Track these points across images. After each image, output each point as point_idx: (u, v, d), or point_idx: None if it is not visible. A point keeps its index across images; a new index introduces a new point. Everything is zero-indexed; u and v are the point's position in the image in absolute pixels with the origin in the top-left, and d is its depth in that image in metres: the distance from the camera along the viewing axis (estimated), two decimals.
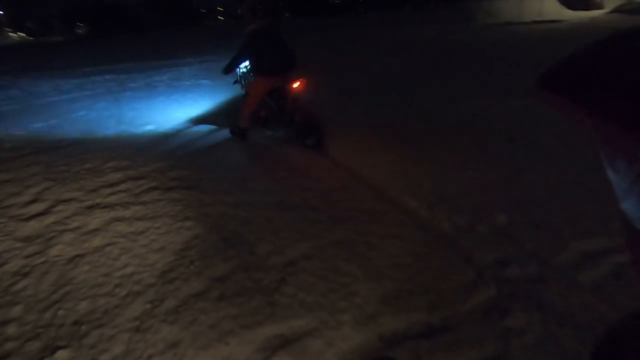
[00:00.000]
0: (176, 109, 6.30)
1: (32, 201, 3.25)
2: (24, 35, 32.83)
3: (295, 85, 4.14)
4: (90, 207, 3.13)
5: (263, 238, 2.60)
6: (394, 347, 1.78)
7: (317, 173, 3.67)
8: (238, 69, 4.67)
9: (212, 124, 5.36)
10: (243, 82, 4.81)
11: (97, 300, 2.11)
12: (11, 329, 1.95)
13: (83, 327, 1.94)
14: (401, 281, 2.18)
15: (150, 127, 5.33)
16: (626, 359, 0.32)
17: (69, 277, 2.31)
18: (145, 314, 2.01)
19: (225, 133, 4.78)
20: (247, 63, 4.53)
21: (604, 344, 0.36)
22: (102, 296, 2.14)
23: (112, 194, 3.33)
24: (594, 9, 18.52)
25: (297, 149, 4.33)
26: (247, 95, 4.44)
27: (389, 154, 3.70)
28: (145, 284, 2.22)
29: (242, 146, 4.46)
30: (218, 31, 23.04)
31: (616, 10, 16.60)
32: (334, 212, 2.89)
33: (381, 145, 3.88)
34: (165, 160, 4.04)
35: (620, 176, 0.27)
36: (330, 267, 2.30)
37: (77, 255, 2.51)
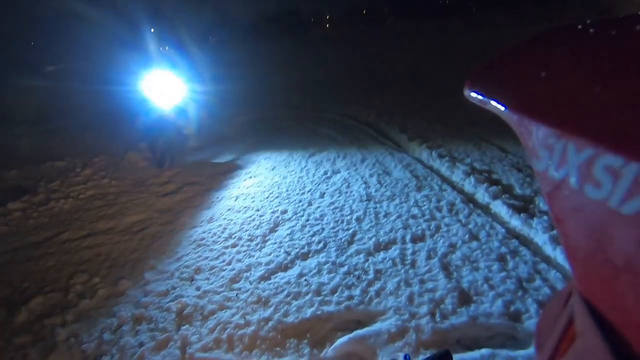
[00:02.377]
0: None
1: (166, 182, 3.99)
2: None
3: None
4: (207, 190, 3.70)
5: None
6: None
7: None
8: None
9: None
10: None
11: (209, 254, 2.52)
12: (148, 275, 2.46)
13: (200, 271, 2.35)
14: None
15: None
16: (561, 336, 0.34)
17: (190, 239, 2.80)
18: None
19: None
20: None
21: (542, 321, 0.39)
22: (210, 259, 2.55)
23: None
24: None
25: None
26: None
27: None
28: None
29: None
30: None
31: None
32: None
33: None
34: None
35: (542, 165, 0.29)
36: None
37: (194, 227, 3.02)
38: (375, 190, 3.22)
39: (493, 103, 0.33)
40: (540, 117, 0.29)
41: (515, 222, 2.55)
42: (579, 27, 0.30)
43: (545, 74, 0.30)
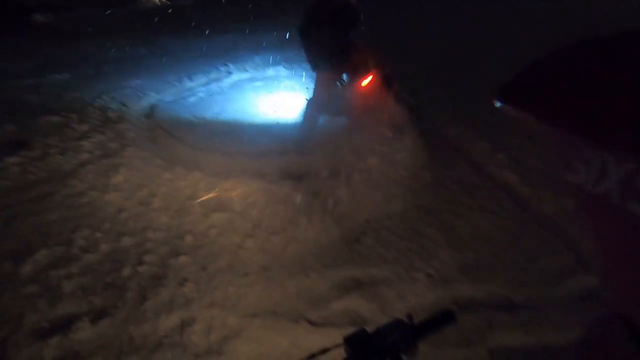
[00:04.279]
0: None
1: None
2: None
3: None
4: None
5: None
6: (467, 312, 1.79)
7: None
8: None
9: None
10: None
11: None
12: (149, 234, 2.49)
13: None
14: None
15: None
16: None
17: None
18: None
19: None
20: None
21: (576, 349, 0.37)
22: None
23: None
24: None
25: None
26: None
27: None
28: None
29: None
30: None
31: None
32: None
33: None
34: None
35: (579, 179, 0.28)
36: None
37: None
38: None
39: (527, 116, 0.31)
40: (579, 130, 0.27)
41: None
42: (620, 35, 0.29)
43: (583, 85, 0.29)
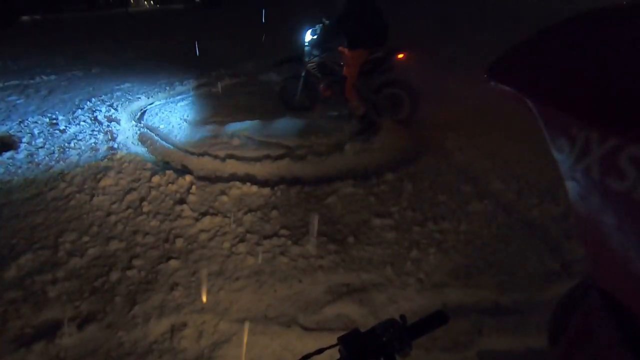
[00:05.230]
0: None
1: None
2: (152, 3, 37.15)
3: (400, 56, 3.75)
4: None
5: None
6: (456, 316, 1.81)
7: None
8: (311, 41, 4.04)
9: None
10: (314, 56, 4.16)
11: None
12: (139, 238, 2.46)
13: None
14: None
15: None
16: (574, 326, 0.34)
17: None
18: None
19: None
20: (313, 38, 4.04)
21: (557, 316, 0.38)
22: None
23: None
24: None
25: None
26: (344, 76, 3.87)
27: None
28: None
29: None
30: None
31: None
32: None
33: None
34: None
35: (564, 155, 0.29)
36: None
37: None
38: None
39: (516, 92, 0.32)
40: (564, 105, 0.28)
41: None
42: (613, 10, 0.29)
43: (569, 61, 0.29)
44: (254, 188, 2.92)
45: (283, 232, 2.45)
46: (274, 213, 2.64)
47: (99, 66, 7.69)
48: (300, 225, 2.51)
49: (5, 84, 6.64)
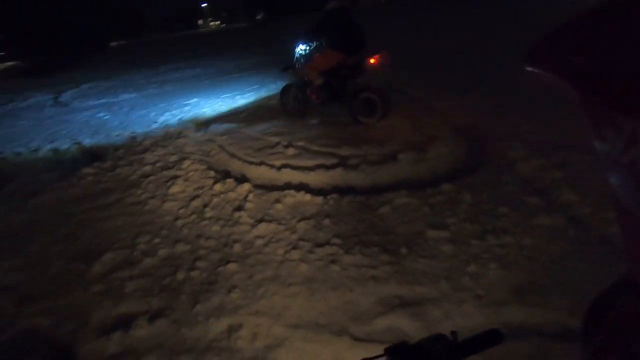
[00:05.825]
0: None
1: None
2: (218, 23, 40.15)
3: (372, 61, 4.15)
4: None
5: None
6: (519, 339, 1.68)
7: None
8: (300, 51, 4.66)
9: None
10: (300, 63, 4.74)
11: None
12: (202, 241, 2.65)
13: None
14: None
15: None
16: (612, 326, 0.32)
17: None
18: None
19: None
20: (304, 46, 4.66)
21: (592, 313, 0.36)
22: None
23: None
24: None
25: None
26: (312, 63, 4.54)
27: None
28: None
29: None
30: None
31: None
32: None
33: None
34: None
35: (609, 146, 0.27)
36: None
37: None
38: None
39: (556, 79, 0.30)
40: (611, 94, 0.26)
41: None
42: None
43: (616, 45, 0.27)
44: (308, 196, 2.99)
45: (335, 240, 2.47)
46: (327, 221, 2.68)
47: (171, 84, 8.47)
48: (353, 234, 2.52)
49: (96, 102, 7.60)
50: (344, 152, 3.67)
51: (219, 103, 6.30)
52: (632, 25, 0.27)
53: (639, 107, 0.24)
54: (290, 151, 3.80)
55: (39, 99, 9.65)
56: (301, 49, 4.66)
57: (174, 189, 3.36)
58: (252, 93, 6.64)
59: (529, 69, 0.32)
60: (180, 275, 2.33)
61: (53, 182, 3.85)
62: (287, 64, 4.98)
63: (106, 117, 6.37)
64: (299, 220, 2.73)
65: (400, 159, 3.38)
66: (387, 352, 0.64)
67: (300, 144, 3.96)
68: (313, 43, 4.51)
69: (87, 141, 5.17)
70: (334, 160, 3.53)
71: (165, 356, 1.86)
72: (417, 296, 1.98)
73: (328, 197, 2.97)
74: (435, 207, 2.68)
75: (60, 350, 1.97)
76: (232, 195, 3.16)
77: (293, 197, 3.00)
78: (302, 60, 4.67)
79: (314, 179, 3.32)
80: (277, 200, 2.99)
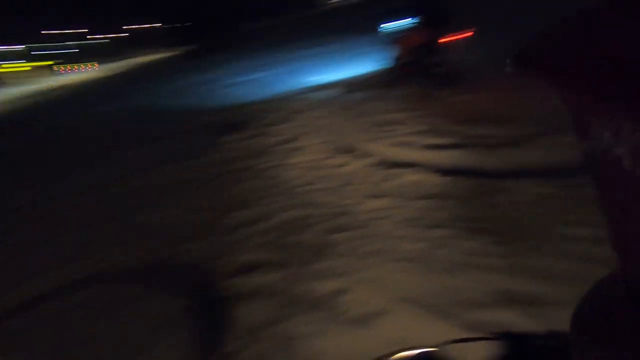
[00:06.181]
0: None
1: None
2: None
3: (454, 37, 4.78)
4: None
5: None
6: None
7: None
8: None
9: None
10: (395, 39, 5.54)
11: None
12: (314, 210, 2.85)
13: None
14: None
15: None
16: (603, 322, 0.33)
17: None
18: None
19: None
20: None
21: (582, 308, 0.36)
22: None
23: None
24: None
25: None
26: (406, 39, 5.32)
27: None
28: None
29: None
30: None
31: None
32: None
33: None
34: None
35: (593, 145, 0.28)
36: None
37: None
38: None
39: (541, 80, 0.31)
40: (596, 93, 0.27)
41: None
42: None
43: (600, 46, 0.28)
44: (427, 175, 2.91)
45: (453, 223, 2.36)
46: (446, 203, 2.57)
47: (300, 61, 9.05)
48: (472, 219, 2.36)
49: (237, 80, 8.68)
50: (466, 131, 3.41)
51: (349, 79, 6.52)
52: (614, 26, 0.28)
53: (622, 105, 0.24)
54: (410, 128, 3.72)
55: (191, 79, 11.54)
56: (391, 26, 5.75)
57: (296, 159, 3.67)
58: (376, 67, 6.63)
59: (515, 70, 0.34)
60: (295, 238, 2.58)
61: (205, 146, 4.64)
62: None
63: (244, 92, 7.26)
64: (414, 199, 2.68)
65: (533, 142, 2.97)
66: (498, 336, 0.62)
67: (423, 120, 3.84)
68: (406, 21, 5.36)
69: (228, 113, 6.01)
70: (455, 140, 3.32)
71: (278, 305, 2.11)
72: (537, 295, 1.77)
73: (448, 177, 2.84)
74: (572, 200, 2.30)
75: (199, 284, 2.42)
76: (348, 168, 3.30)
77: (410, 175, 2.97)
78: (396, 36, 5.50)
79: (432, 157, 3.19)
80: (394, 177, 3.00)
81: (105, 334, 2.16)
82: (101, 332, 2.17)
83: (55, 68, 51.23)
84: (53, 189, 4.59)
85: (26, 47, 64.16)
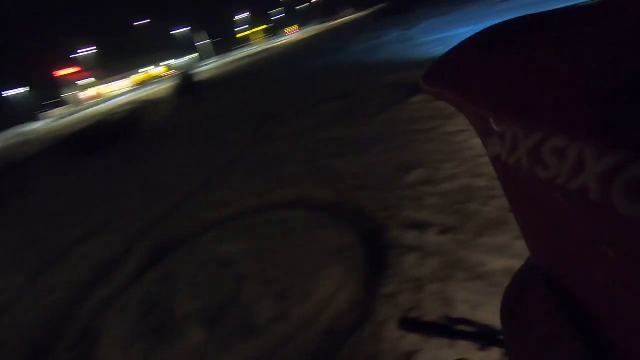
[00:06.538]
0: None
1: None
2: None
3: None
4: None
5: None
6: None
7: None
8: None
9: None
10: None
11: None
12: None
13: None
14: None
15: None
16: (528, 308, 0.34)
17: None
18: None
19: None
20: None
21: (509, 295, 0.38)
22: None
23: None
24: None
25: None
26: None
27: None
28: None
29: None
30: None
31: None
32: None
33: None
34: None
35: (496, 151, 0.31)
36: None
37: None
38: None
39: (445, 95, 0.36)
40: (491, 104, 0.31)
41: None
42: (537, 18, 0.32)
43: (495, 63, 0.32)
44: None
45: None
46: None
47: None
48: None
49: (434, 37, 8.29)
50: None
51: None
52: (506, 47, 0.33)
53: (515, 115, 0.29)
54: None
55: (391, 36, 11.65)
56: None
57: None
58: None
59: (425, 87, 0.38)
60: (472, 206, 2.48)
61: (390, 105, 4.82)
62: None
63: (441, 50, 6.92)
64: None
65: None
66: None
67: None
68: None
69: (417, 74, 5.92)
70: None
71: (444, 265, 2.15)
72: None
73: None
74: None
75: (373, 229, 2.69)
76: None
77: None
78: None
79: None
80: None
81: (291, 246, 2.73)
82: (290, 244, 2.76)
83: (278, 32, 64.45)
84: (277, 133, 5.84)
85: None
